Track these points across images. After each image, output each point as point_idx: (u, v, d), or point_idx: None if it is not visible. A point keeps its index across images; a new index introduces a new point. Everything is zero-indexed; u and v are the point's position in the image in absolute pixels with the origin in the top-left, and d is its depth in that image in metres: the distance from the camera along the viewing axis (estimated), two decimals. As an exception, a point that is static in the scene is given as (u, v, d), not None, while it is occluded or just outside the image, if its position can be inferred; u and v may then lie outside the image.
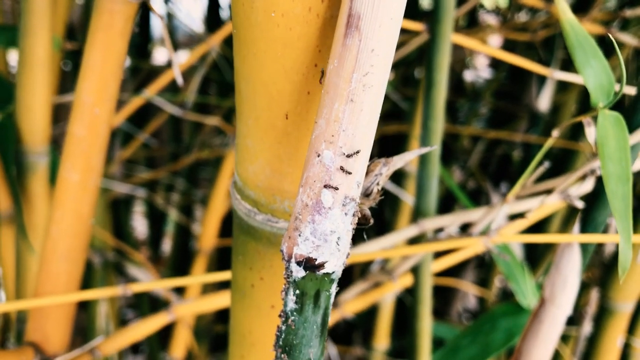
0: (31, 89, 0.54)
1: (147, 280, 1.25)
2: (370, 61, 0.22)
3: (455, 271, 1.28)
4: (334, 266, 0.24)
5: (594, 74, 0.34)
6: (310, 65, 0.24)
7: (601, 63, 0.34)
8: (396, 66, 1.15)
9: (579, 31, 0.34)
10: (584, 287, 1.09)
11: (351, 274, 1.22)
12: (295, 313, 0.24)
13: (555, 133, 0.40)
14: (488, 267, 1.20)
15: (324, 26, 0.24)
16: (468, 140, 1.34)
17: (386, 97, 1.16)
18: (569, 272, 0.42)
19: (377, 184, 0.28)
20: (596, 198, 0.41)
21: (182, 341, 0.90)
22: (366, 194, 0.28)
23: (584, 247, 0.42)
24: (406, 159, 0.29)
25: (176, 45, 1.46)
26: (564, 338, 1.07)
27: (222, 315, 1.27)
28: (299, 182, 0.28)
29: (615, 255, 0.82)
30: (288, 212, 0.28)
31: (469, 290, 1.32)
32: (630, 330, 0.89)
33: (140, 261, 1.01)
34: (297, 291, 0.24)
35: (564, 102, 1.09)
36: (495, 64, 1.44)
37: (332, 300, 0.25)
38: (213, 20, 1.18)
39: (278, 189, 0.28)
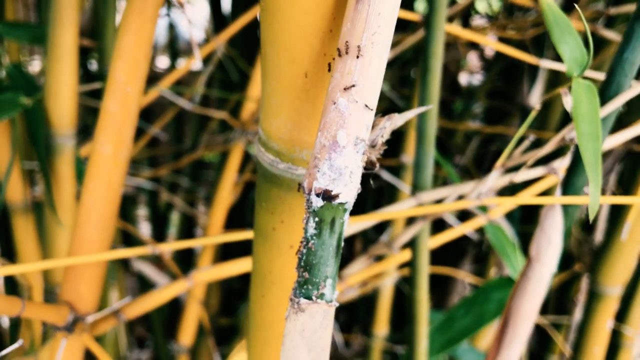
0: (59, 77, 0.58)
1: (152, 274, 1.29)
2: (378, 22, 0.27)
3: (451, 265, 1.33)
4: (347, 197, 0.29)
5: (569, 49, 0.39)
6: (326, 31, 0.29)
7: (575, 39, 0.39)
8: (392, 66, 1.21)
9: (556, 12, 0.39)
10: (576, 277, 1.14)
11: (353, 250, 1.27)
12: (314, 237, 0.29)
13: (542, 98, 0.44)
14: (484, 262, 1.25)
15: (338, -3, 0.28)
16: (462, 138, 1.39)
17: (383, 96, 1.22)
18: (553, 232, 0.47)
19: (382, 136, 0.33)
20: (575, 165, 0.46)
21: (191, 326, 0.94)
22: (372, 145, 0.33)
23: (566, 210, 0.47)
24: (406, 117, 0.34)
25: (177, 53, 1.52)
26: (557, 327, 1.12)
27: (227, 309, 1.32)
28: (316, 133, 0.32)
29: (603, 245, 0.87)
30: (306, 160, 0.33)
31: (465, 283, 1.37)
32: (621, 318, 0.93)
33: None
34: (316, 219, 0.29)
35: (554, 99, 1.14)
36: (487, 66, 1.49)
37: (345, 227, 0.29)
38: (218, 22, 1.23)
39: (298, 140, 0.32)
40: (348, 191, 0.28)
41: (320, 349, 0.30)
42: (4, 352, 0.32)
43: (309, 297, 0.29)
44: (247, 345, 0.41)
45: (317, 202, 0.29)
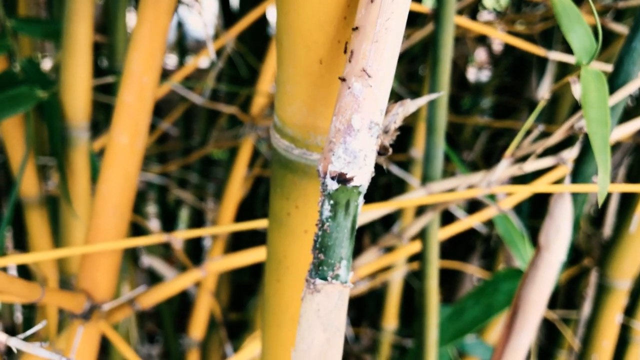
0: (74, 70, 0.59)
1: (162, 269, 1.30)
2: (391, 8, 0.27)
3: (460, 261, 1.33)
4: (362, 180, 0.29)
5: (578, 37, 0.39)
6: (340, 19, 0.30)
7: (584, 28, 0.39)
8: (401, 62, 1.21)
9: (565, 1, 0.40)
10: (585, 272, 1.14)
11: (361, 244, 1.28)
12: (329, 220, 0.30)
13: (551, 89, 0.45)
14: (492, 257, 1.25)
15: (352, -16, 0.29)
16: (471, 134, 1.39)
17: (392, 91, 1.22)
18: (562, 221, 0.47)
19: (395, 122, 0.33)
20: (584, 153, 0.47)
21: (202, 319, 0.95)
22: (385, 131, 0.33)
23: (575, 198, 0.48)
24: (418, 104, 0.35)
25: (186, 50, 1.53)
26: (566, 321, 1.12)
27: (236, 304, 1.33)
28: (330, 119, 0.33)
29: (611, 238, 0.87)
30: (320, 146, 0.34)
31: (473, 279, 1.37)
32: (631, 313, 0.93)
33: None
34: (331, 201, 0.29)
35: (562, 93, 1.14)
36: (495, 62, 1.50)
37: (359, 210, 0.30)
38: (227, 19, 1.24)
39: (312, 125, 0.33)
40: (362, 174, 0.29)
41: (336, 328, 0.31)
42: (27, 333, 0.33)
43: (324, 278, 0.30)
44: (261, 329, 0.42)
45: (332, 185, 0.29)
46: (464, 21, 0.62)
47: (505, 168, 0.49)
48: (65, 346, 0.52)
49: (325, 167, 0.29)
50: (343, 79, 0.28)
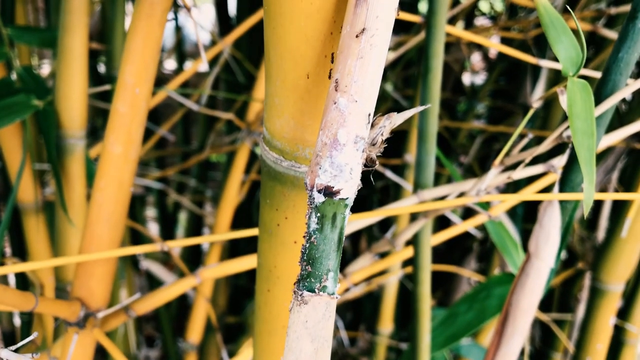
0: (69, 79, 0.60)
1: (160, 273, 1.31)
2: (376, 25, 0.28)
3: (456, 264, 1.34)
4: (348, 192, 0.30)
5: (564, 48, 0.40)
6: (327, 33, 0.30)
7: (570, 39, 0.40)
8: (396, 67, 1.22)
9: (552, 12, 0.40)
10: (579, 275, 1.15)
11: (358, 248, 1.29)
12: (316, 232, 0.30)
13: (543, 95, 0.46)
14: (488, 260, 1.26)
15: (338, 1, 0.30)
16: (466, 138, 1.40)
17: (387, 96, 1.23)
18: (551, 228, 0.48)
19: (382, 135, 0.34)
20: (572, 162, 0.47)
21: (199, 323, 0.95)
22: (372, 144, 0.34)
23: (564, 206, 0.48)
24: (405, 116, 0.35)
25: (184, 55, 1.53)
26: (560, 324, 1.13)
27: (234, 307, 1.33)
28: (317, 132, 0.34)
29: (604, 242, 0.88)
30: (308, 158, 0.34)
31: (469, 281, 1.38)
32: (624, 316, 0.94)
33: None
34: (318, 214, 0.30)
35: (555, 99, 1.15)
36: (490, 66, 1.51)
37: (346, 222, 0.31)
38: (224, 25, 1.25)
39: (300, 138, 0.34)
40: (349, 187, 0.30)
41: (323, 339, 0.31)
42: (19, 344, 0.33)
43: (311, 290, 0.30)
44: (253, 338, 0.42)
45: (319, 198, 0.30)
46: (456, 30, 0.63)
47: (494, 176, 0.50)
48: (60, 354, 0.52)
49: (312, 180, 0.30)
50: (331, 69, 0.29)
